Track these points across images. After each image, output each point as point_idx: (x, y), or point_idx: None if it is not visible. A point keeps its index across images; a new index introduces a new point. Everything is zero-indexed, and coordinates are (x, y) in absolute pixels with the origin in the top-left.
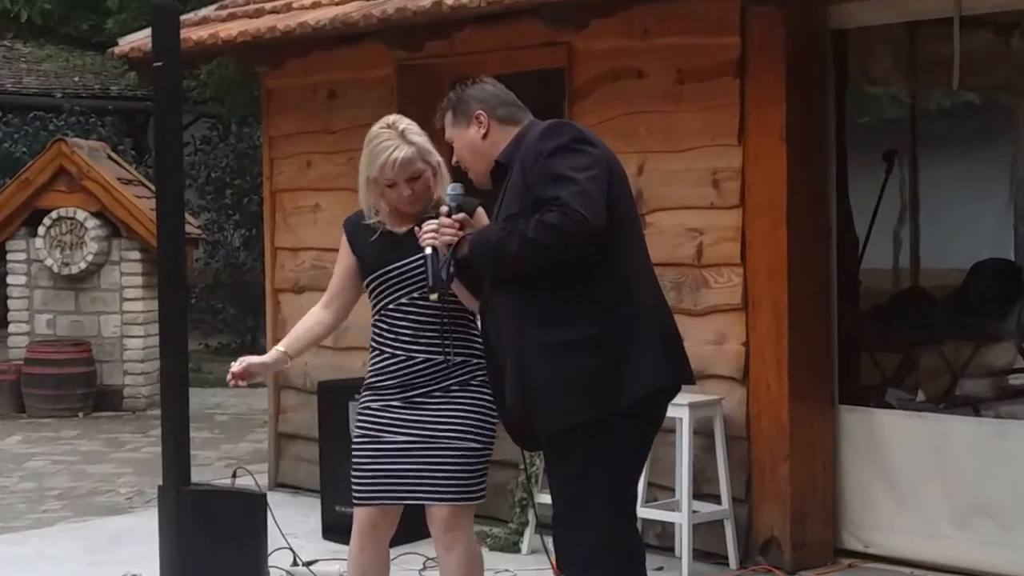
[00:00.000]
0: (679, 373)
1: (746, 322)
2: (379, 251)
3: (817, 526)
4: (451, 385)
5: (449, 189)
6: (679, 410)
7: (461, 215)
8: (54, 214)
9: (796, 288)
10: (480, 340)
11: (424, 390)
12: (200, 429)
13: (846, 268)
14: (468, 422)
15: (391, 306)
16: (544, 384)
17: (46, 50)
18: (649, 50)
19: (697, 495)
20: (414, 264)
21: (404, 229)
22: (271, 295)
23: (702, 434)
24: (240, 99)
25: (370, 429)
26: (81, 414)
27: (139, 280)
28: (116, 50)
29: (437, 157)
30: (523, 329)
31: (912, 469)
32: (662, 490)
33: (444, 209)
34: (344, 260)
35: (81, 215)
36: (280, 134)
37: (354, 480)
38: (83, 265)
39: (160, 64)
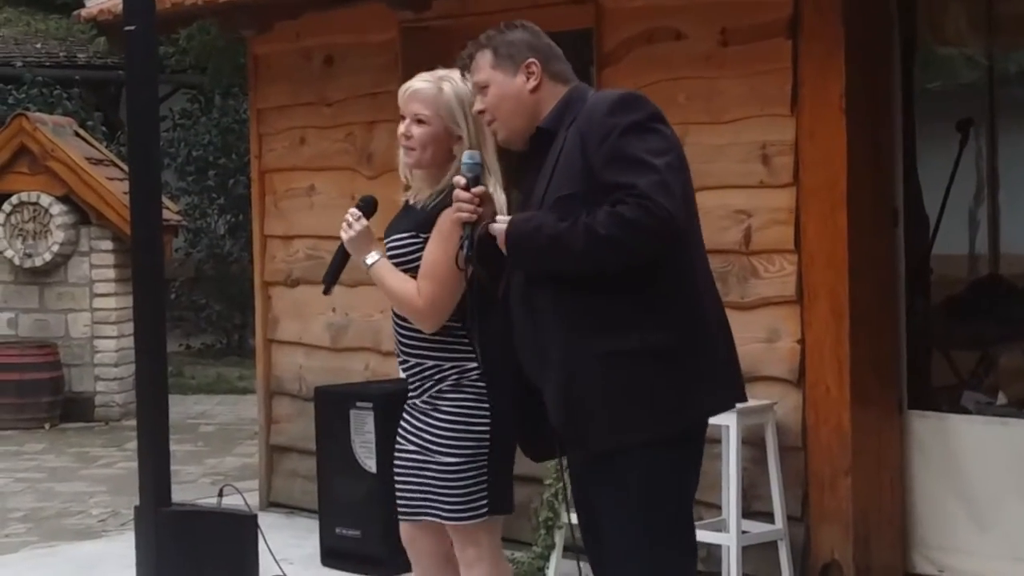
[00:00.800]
0: (743, 386)
1: (801, 317)
2: None
3: (884, 548)
4: (430, 390)
5: (466, 156)
6: (726, 417)
7: (480, 188)
8: (15, 199)
9: (858, 278)
10: (460, 339)
11: (417, 398)
12: (182, 441)
13: (915, 255)
14: (441, 435)
15: None
16: (603, 398)
17: (4, 14)
18: (688, 8)
19: (747, 513)
20: (391, 244)
21: (407, 197)
22: (260, 289)
23: (752, 444)
24: (224, 67)
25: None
26: (47, 425)
27: (111, 273)
28: (83, 12)
29: (460, 131)
30: (575, 336)
31: (993, 482)
32: (707, 508)
33: (459, 180)
34: None
35: (45, 200)
36: (269, 107)
37: None
38: (48, 256)
39: (133, 28)
